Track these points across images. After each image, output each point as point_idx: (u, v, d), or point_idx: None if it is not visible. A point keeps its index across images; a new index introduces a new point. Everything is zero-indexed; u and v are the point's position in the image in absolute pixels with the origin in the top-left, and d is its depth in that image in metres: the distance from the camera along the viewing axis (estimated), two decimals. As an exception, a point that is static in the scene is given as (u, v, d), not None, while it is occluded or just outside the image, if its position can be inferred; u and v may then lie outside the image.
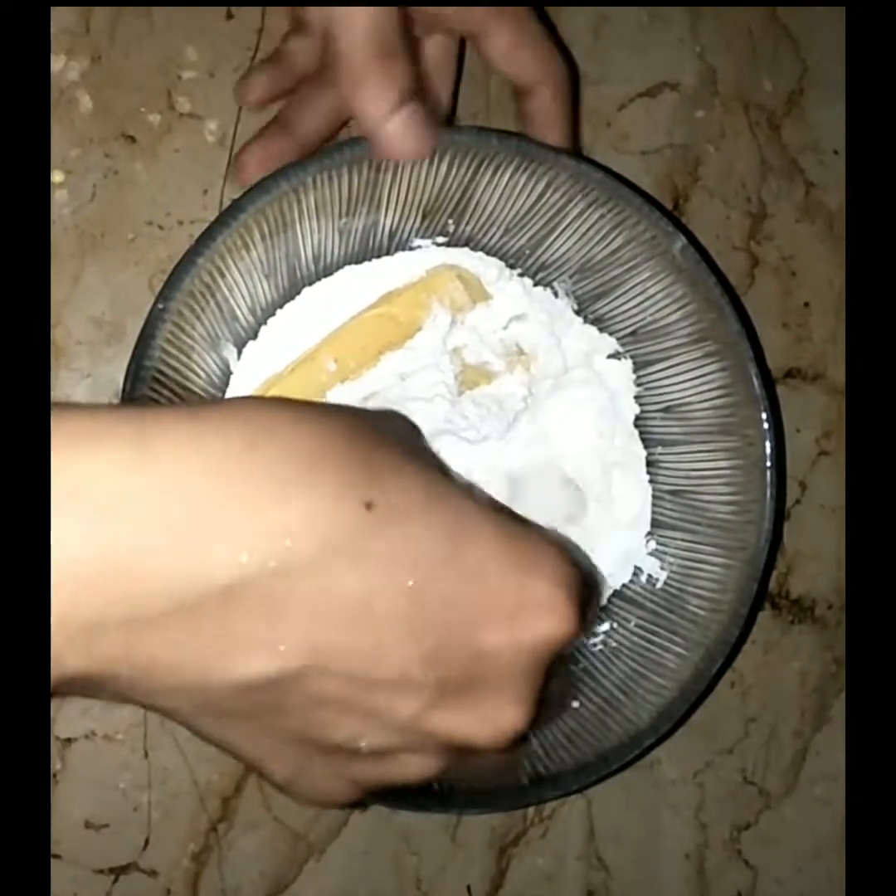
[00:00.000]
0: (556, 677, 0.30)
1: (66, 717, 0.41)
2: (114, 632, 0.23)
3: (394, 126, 0.35)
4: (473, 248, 0.42)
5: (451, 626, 0.26)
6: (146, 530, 0.22)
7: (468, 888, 0.44)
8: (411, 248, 0.41)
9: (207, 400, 0.26)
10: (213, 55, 0.44)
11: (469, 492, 0.27)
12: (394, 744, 0.27)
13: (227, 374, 0.39)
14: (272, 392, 0.39)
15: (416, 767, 0.28)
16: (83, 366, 0.42)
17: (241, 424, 0.24)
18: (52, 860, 0.41)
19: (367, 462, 0.25)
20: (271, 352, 0.40)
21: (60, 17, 0.43)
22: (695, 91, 0.49)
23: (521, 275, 0.42)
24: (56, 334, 0.42)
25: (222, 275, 0.37)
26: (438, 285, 0.41)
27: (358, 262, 0.41)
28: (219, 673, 0.24)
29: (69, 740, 0.41)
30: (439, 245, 0.41)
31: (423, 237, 0.41)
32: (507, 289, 0.41)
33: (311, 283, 0.40)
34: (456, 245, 0.41)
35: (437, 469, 0.27)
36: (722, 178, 0.50)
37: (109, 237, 0.43)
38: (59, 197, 0.42)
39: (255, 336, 0.40)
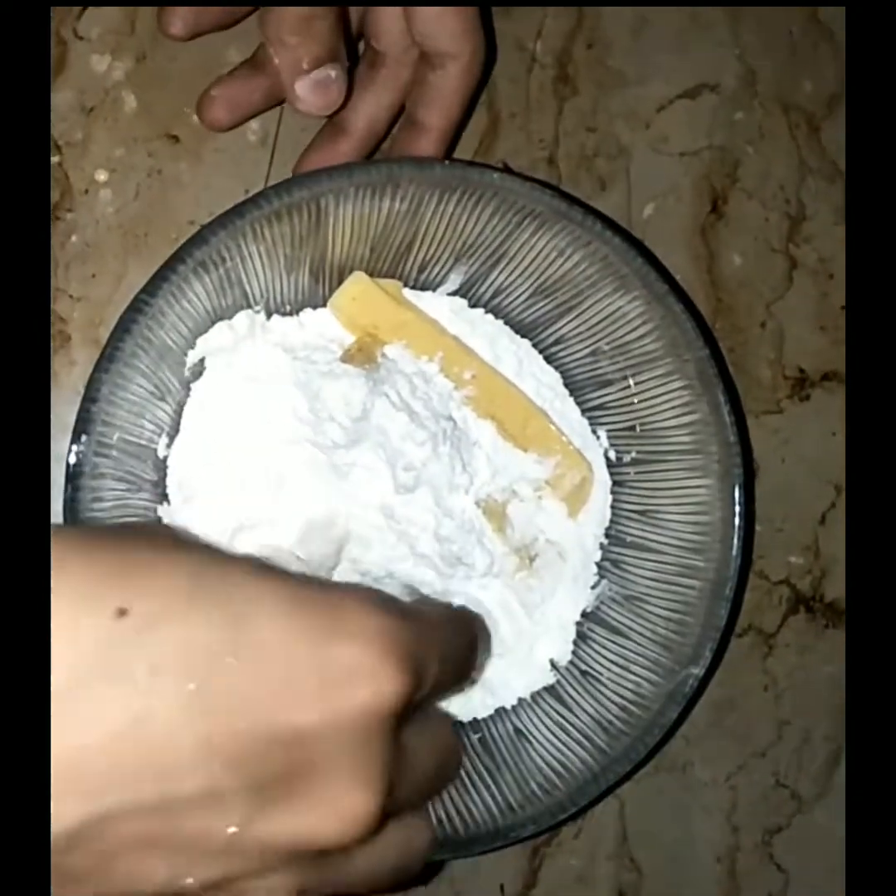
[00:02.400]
0: (423, 735, 0.27)
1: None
2: None
3: (303, 84, 0.39)
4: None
5: (249, 721, 0.22)
6: None
7: (501, 887, 0.45)
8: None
9: None
10: (256, 56, 0.44)
11: (249, 565, 0.24)
12: (227, 871, 0.23)
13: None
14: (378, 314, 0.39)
15: (268, 891, 0.24)
16: (125, 363, 0.43)
17: None
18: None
19: (115, 565, 0.22)
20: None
21: (106, 18, 0.43)
22: (734, 92, 0.49)
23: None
24: (99, 333, 0.42)
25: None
26: (573, 462, 0.41)
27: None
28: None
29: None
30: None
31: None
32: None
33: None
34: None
35: (206, 552, 0.24)
36: (761, 180, 0.49)
37: (153, 236, 0.43)
38: (103, 196, 0.43)
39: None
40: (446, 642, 0.27)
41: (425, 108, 0.41)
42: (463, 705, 0.40)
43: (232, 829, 0.23)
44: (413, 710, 0.25)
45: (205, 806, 0.22)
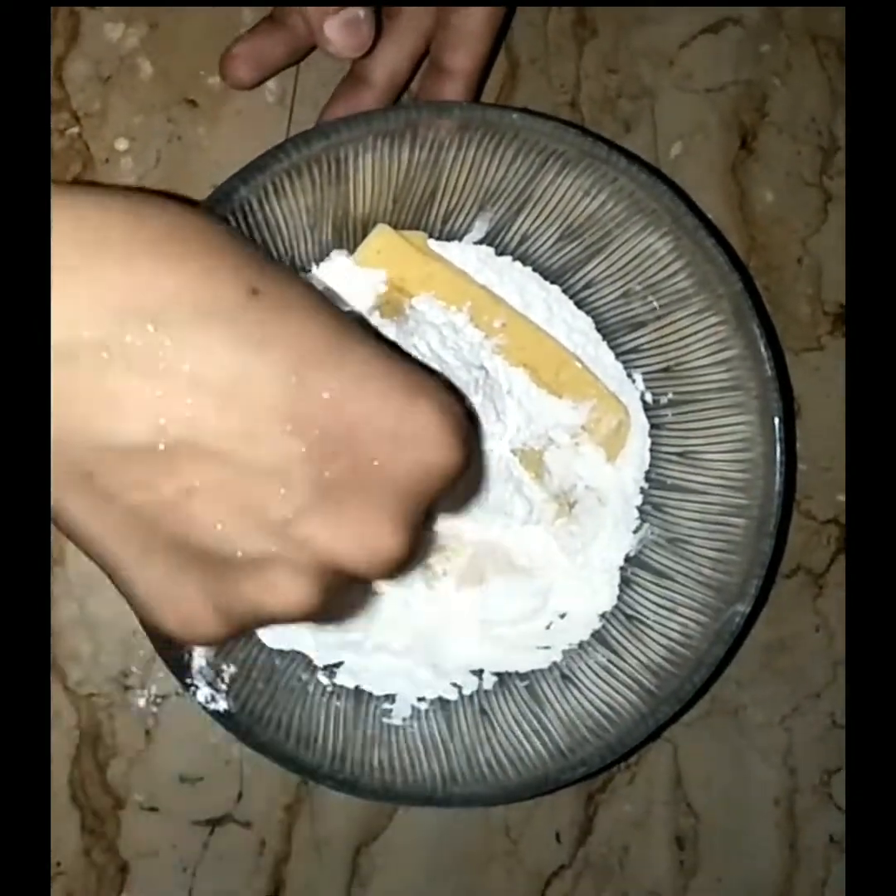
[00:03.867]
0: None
1: (156, 677, 0.42)
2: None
3: (332, 25, 0.38)
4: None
5: (333, 428, 0.24)
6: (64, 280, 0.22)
7: (556, 835, 0.45)
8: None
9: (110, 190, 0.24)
10: (270, 15, 0.43)
11: (355, 321, 0.26)
12: (266, 551, 0.25)
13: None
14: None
15: (291, 590, 0.25)
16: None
17: (133, 203, 0.23)
18: (151, 813, 0.42)
19: (253, 257, 0.24)
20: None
21: (118, -14, 0.43)
22: (758, 25, 0.48)
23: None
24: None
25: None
26: (609, 406, 0.41)
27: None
28: (91, 430, 0.23)
29: (161, 697, 0.42)
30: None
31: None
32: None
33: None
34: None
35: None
36: (791, 113, 0.48)
37: (176, 203, 0.43)
38: (124, 164, 0.43)
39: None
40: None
41: (451, 52, 0.40)
42: (519, 657, 0.40)
43: (286, 512, 0.24)
44: None
45: (273, 480, 0.24)
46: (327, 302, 0.25)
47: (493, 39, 0.41)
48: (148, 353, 0.23)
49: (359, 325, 0.26)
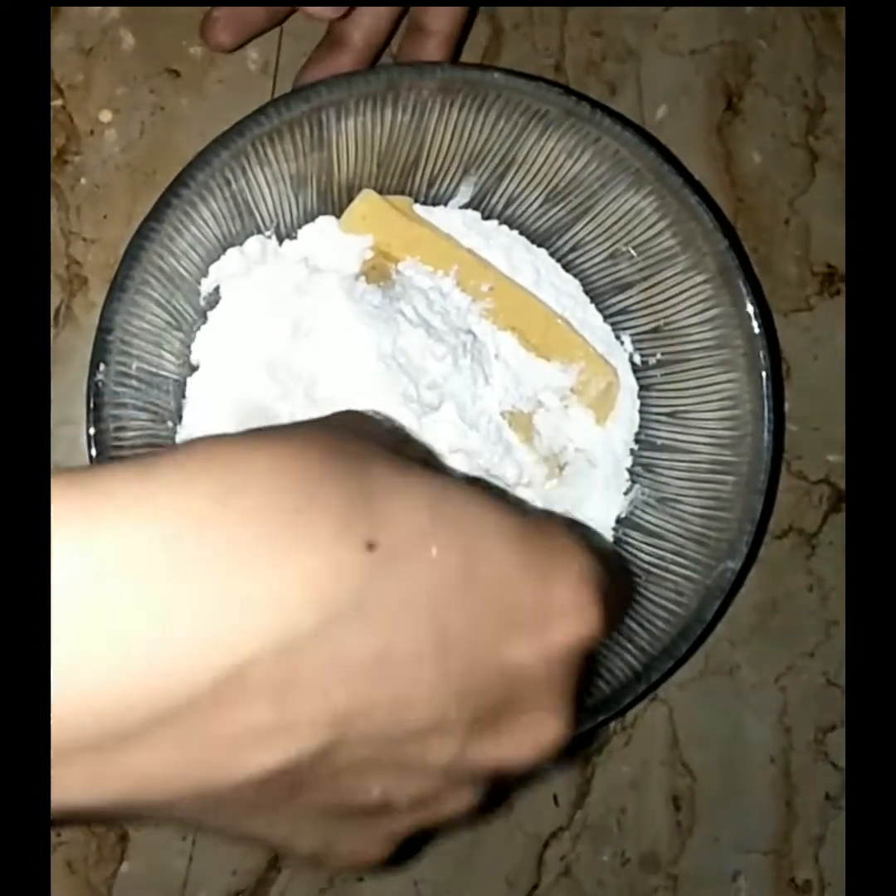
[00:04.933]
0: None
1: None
2: (83, 760, 0.19)
3: None
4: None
5: (477, 650, 0.23)
6: (98, 630, 0.19)
7: (554, 797, 0.45)
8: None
9: (162, 450, 0.22)
10: (251, -17, 0.43)
11: (467, 488, 0.24)
12: (435, 790, 0.25)
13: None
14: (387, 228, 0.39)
15: (456, 805, 0.26)
16: (144, 303, 0.43)
17: (205, 477, 0.20)
18: None
19: (360, 492, 0.22)
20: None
21: (97, -43, 0.43)
22: (743, -16, 0.48)
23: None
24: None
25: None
26: (598, 368, 0.41)
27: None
28: (224, 775, 0.21)
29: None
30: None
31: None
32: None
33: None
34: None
35: (428, 467, 0.24)
36: (776, 73, 0.48)
37: (161, 174, 0.43)
38: (108, 136, 0.43)
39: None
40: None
41: (430, 13, 0.40)
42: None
43: (448, 756, 0.24)
44: None
45: (429, 735, 0.23)
46: (438, 493, 0.23)
47: (472, 1, 0.41)
48: (278, 675, 0.21)
49: (480, 506, 0.24)
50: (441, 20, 0.40)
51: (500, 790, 0.28)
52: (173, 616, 0.19)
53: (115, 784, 0.20)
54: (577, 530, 0.26)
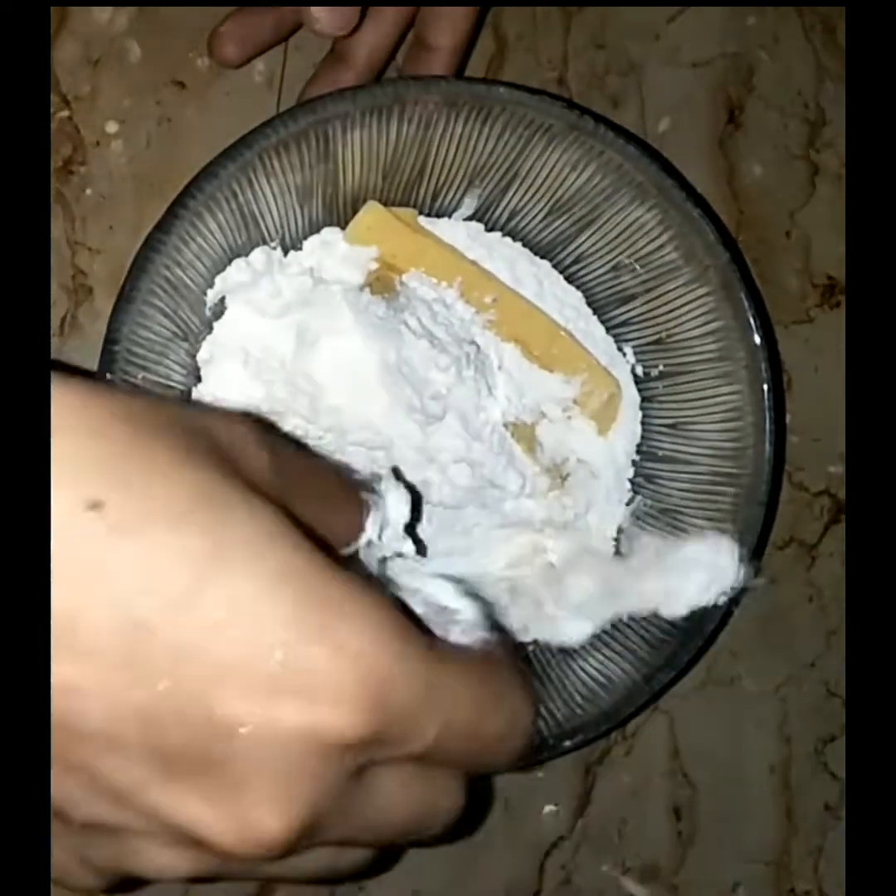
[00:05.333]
0: (405, 787, 0.23)
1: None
2: None
3: (319, 8, 0.38)
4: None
5: (181, 686, 0.19)
6: None
7: (556, 806, 0.45)
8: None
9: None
10: (256, -5, 0.44)
11: (262, 509, 0.21)
12: (114, 820, 0.21)
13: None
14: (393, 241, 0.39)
15: (153, 859, 0.22)
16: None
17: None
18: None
19: (119, 455, 0.20)
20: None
21: (104, -31, 0.43)
22: (745, -2, 0.48)
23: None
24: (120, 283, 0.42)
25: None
26: (600, 380, 0.41)
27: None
28: None
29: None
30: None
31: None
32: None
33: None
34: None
35: (227, 477, 0.21)
36: (777, 86, 0.48)
37: (167, 185, 0.43)
38: (114, 147, 0.43)
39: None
40: (467, 717, 0.22)
41: (434, 29, 0.41)
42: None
43: (126, 782, 0.20)
44: (403, 758, 0.22)
45: (105, 746, 0.20)
46: (225, 495, 0.20)
47: (476, 17, 0.41)
48: None
49: (263, 517, 0.21)
50: (445, 36, 0.41)
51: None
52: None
53: None
54: (409, 615, 0.21)
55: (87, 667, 0.19)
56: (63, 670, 0.19)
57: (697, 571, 0.33)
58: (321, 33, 0.39)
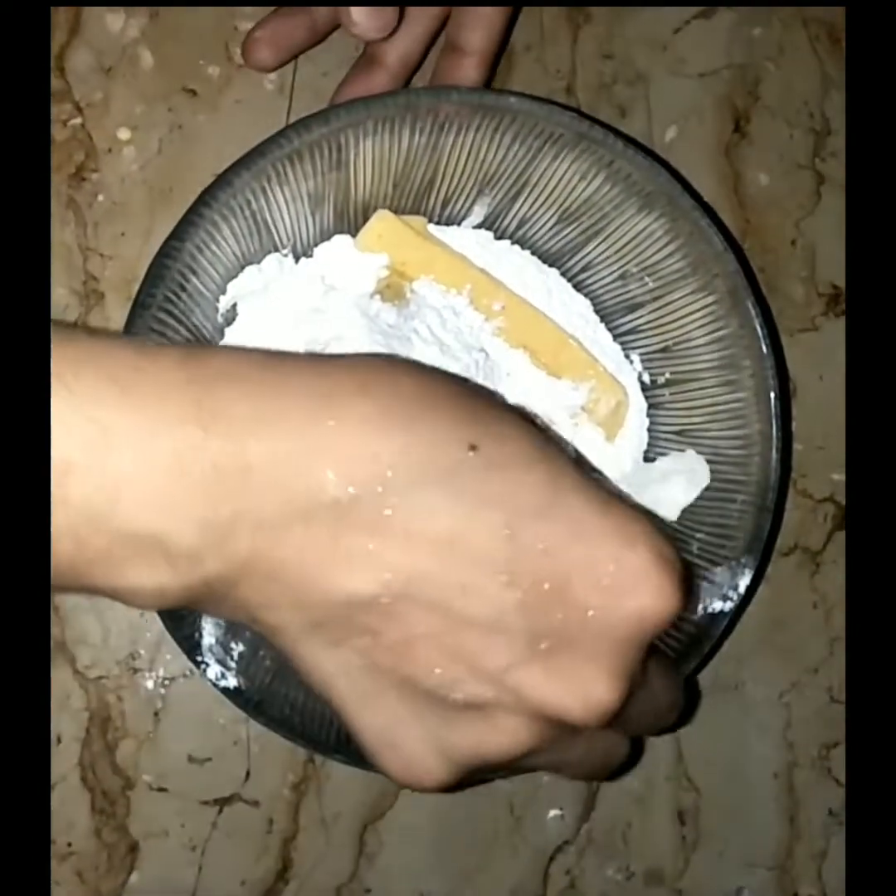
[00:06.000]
0: (660, 676, 0.29)
1: (164, 659, 0.43)
2: (246, 535, 0.24)
3: (357, 8, 0.38)
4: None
5: (548, 577, 0.25)
6: (272, 445, 0.24)
7: (561, 810, 0.45)
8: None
9: (328, 358, 0.27)
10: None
11: (565, 453, 0.27)
12: (483, 696, 0.26)
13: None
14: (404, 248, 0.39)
15: (509, 734, 0.26)
16: (160, 318, 0.43)
17: (357, 371, 0.25)
18: (160, 793, 0.43)
19: (472, 410, 0.26)
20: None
21: (117, -23, 0.43)
22: (751, 9, 0.49)
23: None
24: (132, 289, 0.43)
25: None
26: (608, 387, 0.41)
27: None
28: (326, 582, 0.25)
29: (170, 679, 0.43)
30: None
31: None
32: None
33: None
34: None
35: (537, 429, 0.27)
36: (783, 96, 0.49)
37: (177, 191, 0.43)
38: (126, 154, 0.43)
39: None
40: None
41: (468, 31, 0.41)
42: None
43: (502, 662, 0.25)
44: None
45: (489, 631, 0.25)
46: (544, 450, 0.26)
47: (508, 19, 0.42)
48: (375, 513, 0.24)
49: (574, 467, 0.26)
50: (477, 39, 0.41)
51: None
52: (312, 453, 0.24)
53: (258, 564, 0.24)
54: (656, 521, 0.28)
55: (475, 571, 0.25)
56: (455, 576, 0.25)
57: (677, 477, 0.40)
58: (360, 36, 0.39)
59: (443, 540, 0.25)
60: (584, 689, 0.26)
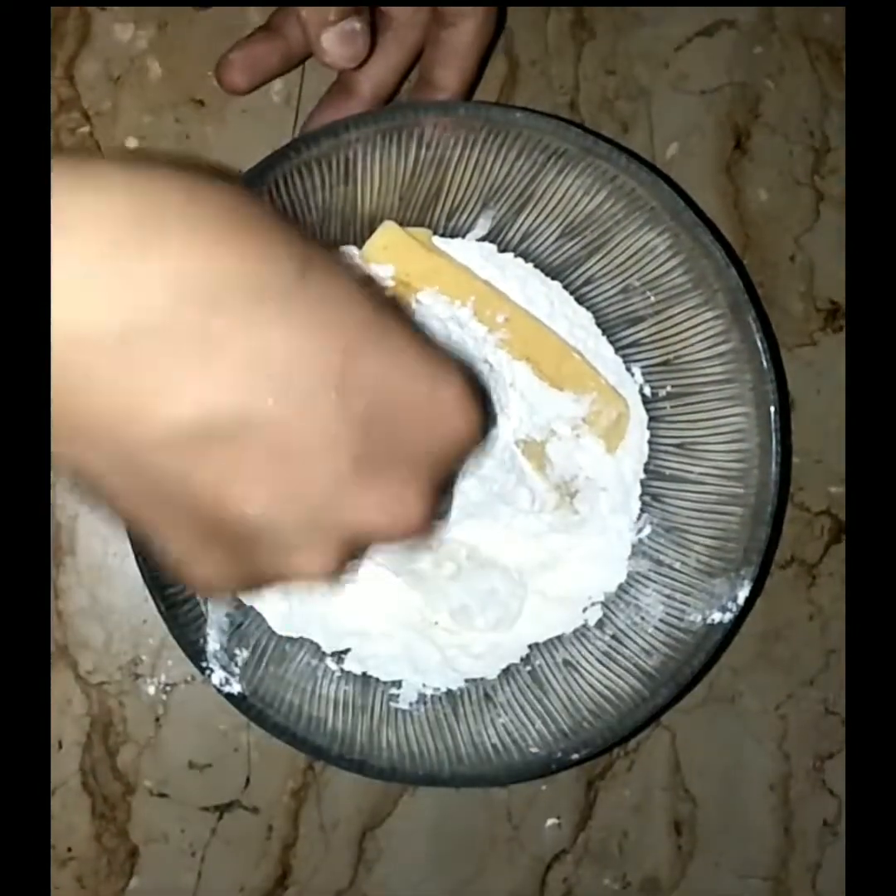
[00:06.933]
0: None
1: (166, 665, 0.43)
2: (72, 351, 0.22)
3: (329, 36, 0.39)
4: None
5: (376, 400, 0.25)
6: (87, 259, 0.22)
7: (557, 820, 0.46)
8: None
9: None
10: (276, 16, 0.44)
11: (390, 310, 0.27)
12: (304, 525, 0.26)
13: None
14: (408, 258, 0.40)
15: (315, 563, 0.27)
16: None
17: (184, 177, 0.23)
18: (160, 799, 0.43)
19: (303, 240, 0.25)
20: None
21: (127, -12, 0.44)
22: (752, 27, 0.49)
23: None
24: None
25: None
26: (609, 399, 0.42)
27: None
28: (146, 412, 0.23)
29: (171, 685, 0.43)
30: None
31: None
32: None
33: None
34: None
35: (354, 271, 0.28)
36: (783, 113, 0.49)
37: (184, 201, 0.44)
38: (134, 163, 0.44)
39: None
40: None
41: (440, 68, 0.41)
42: (514, 641, 0.41)
43: (326, 484, 0.25)
44: None
45: (318, 454, 0.25)
46: (367, 286, 0.26)
47: (481, 55, 0.42)
48: (202, 335, 0.23)
49: (393, 309, 0.27)
50: (451, 75, 0.41)
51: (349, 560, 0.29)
52: (129, 265, 0.22)
53: (73, 377, 0.22)
54: (457, 360, 0.28)
55: (311, 395, 0.24)
56: (292, 405, 0.24)
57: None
58: (331, 65, 0.40)
59: (278, 365, 0.24)
60: (396, 508, 0.26)
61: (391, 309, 0.26)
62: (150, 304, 0.22)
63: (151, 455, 0.24)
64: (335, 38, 0.39)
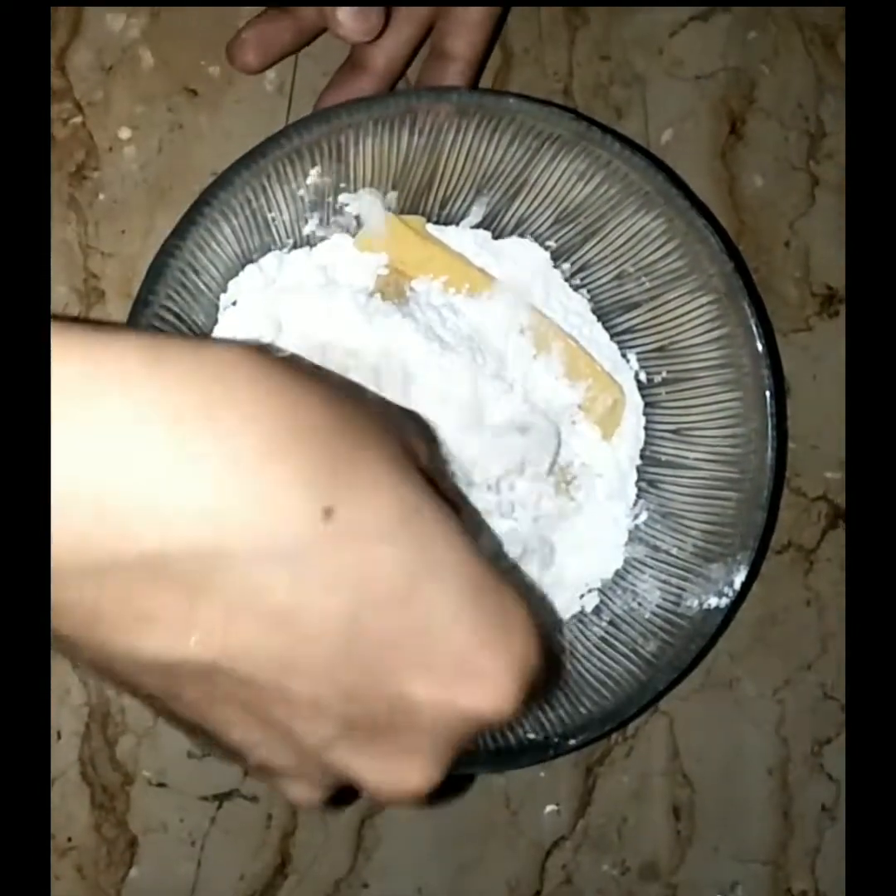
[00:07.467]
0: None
1: (163, 655, 0.43)
2: (76, 577, 0.21)
3: (345, 9, 0.38)
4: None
5: (381, 670, 0.23)
6: (84, 479, 0.20)
7: (556, 806, 0.46)
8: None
9: (187, 340, 0.23)
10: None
11: (447, 516, 0.24)
12: (287, 764, 0.25)
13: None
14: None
15: (300, 793, 0.26)
16: (160, 317, 0.43)
17: (206, 381, 0.21)
18: (159, 789, 0.43)
19: (340, 461, 0.22)
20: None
21: (118, -23, 0.44)
22: (747, 12, 0.49)
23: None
24: (132, 287, 0.43)
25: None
26: (604, 385, 0.42)
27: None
28: (124, 642, 0.22)
29: (168, 675, 0.43)
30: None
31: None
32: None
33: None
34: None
35: (424, 486, 0.24)
36: (778, 98, 0.49)
37: (177, 190, 0.44)
38: (127, 153, 0.44)
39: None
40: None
41: (452, 38, 0.41)
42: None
43: (314, 741, 0.24)
44: None
45: (304, 712, 0.23)
46: (416, 507, 0.23)
47: (493, 28, 0.42)
48: (200, 576, 0.21)
49: (446, 535, 0.23)
50: (463, 46, 0.41)
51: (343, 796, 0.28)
52: (128, 496, 0.21)
53: (77, 609, 0.22)
54: (534, 605, 0.25)
55: (308, 648, 0.22)
56: (283, 652, 0.22)
57: None
58: (345, 38, 0.39)
59: (269, 616, 0.22)
60: (398, 776, 0.24)
61: (439, 541, 0.23)
62: (148, 538, 0.21)
63: (132, 675, 0.23)
64: (351, 12, 0.38)
